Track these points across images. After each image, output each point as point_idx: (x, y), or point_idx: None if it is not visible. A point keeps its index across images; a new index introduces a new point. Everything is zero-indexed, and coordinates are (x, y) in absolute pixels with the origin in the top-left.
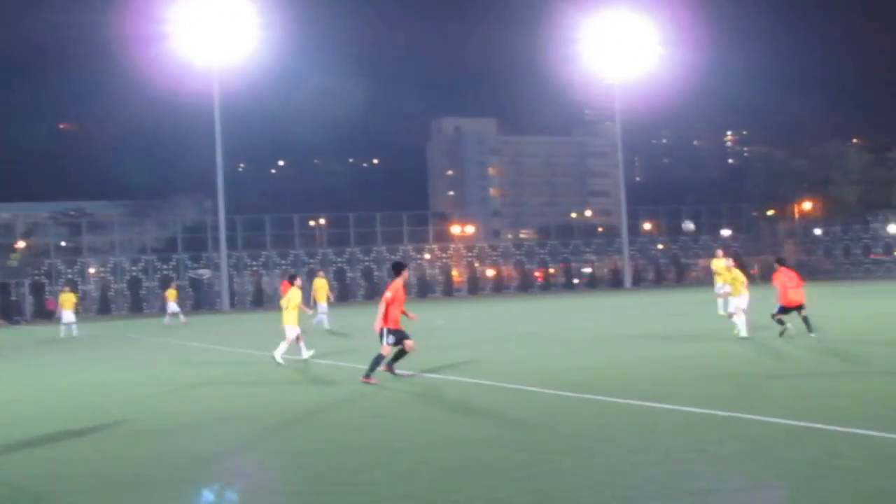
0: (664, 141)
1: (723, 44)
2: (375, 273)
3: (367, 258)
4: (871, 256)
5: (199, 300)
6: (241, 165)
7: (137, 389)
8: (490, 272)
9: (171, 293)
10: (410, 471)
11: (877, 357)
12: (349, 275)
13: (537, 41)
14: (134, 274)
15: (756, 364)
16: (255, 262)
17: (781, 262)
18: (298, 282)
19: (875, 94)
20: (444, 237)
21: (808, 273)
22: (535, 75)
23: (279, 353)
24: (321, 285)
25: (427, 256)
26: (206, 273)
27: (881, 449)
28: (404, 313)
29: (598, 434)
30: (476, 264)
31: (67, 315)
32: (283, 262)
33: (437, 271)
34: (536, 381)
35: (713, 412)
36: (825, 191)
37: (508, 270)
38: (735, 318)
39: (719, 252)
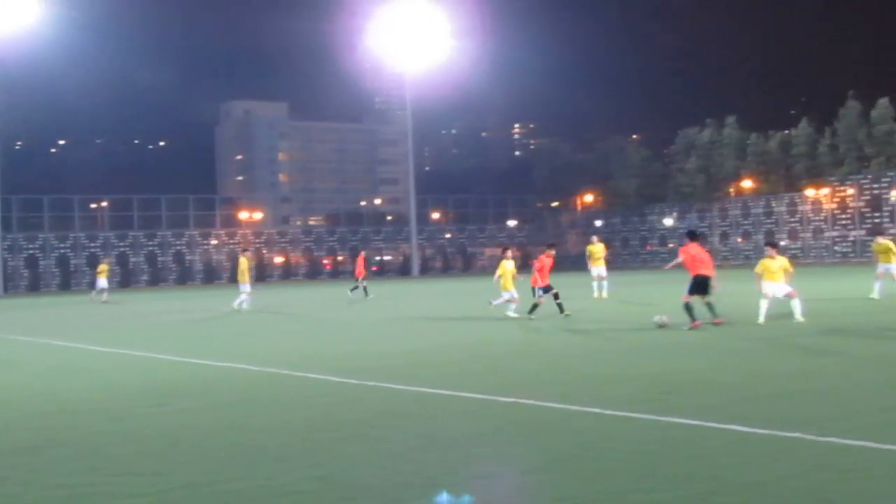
0: (454, 131)
1: (513, 38)
2: (160, 258)
3: (151, 243)
4: (648, 248)
5: None
6: (18, 143)
7: None
8: (278, 259)
9: (102, 268)
10: (191, 459)
11: (652, 344)
12: (132, 259)
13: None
14: None
15: (536, 350)
16: (31, 245)
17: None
18: (509, 254)
19: (655, 92)
20: (231, 223)
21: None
22: (328, 61)
23: (511, 311)
24: (245, 265)
25: (214, 242)
26: None
27: (652, 431)
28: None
29: (383, 421)
30: (264, 251)
31: None
32: (61, 245)
33: (223, 257)
34: (321, 368)
35: (495, 398)
36: (606, 184)
37: (297, 257)
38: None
39: (594, 238)
